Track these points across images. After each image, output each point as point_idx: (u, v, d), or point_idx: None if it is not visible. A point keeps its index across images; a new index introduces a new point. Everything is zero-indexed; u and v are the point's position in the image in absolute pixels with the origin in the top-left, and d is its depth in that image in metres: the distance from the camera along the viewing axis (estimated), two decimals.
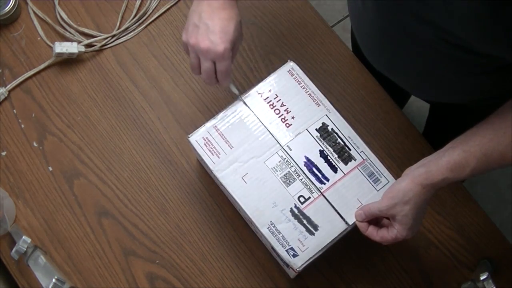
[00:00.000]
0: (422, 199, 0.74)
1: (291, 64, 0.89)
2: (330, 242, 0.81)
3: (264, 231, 0.81)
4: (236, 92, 0.86)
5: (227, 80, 0.81)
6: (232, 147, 0.84)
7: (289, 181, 0.82)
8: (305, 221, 0.81)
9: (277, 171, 0.83)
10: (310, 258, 0.80)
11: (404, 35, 0.78)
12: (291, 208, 0.81)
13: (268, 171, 0.83)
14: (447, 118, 1.12)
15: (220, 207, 0.96)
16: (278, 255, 0.81)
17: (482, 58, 0.74)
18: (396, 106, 1.00)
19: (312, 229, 0.81)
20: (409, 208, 0.74)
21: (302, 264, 0.80)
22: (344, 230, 0.81)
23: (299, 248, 0.80)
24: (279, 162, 0.83)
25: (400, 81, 0.94)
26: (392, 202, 0.75)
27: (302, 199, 0.82)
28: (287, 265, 0.81)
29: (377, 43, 0.88)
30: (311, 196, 0.82)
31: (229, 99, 1.00)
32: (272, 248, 0.82)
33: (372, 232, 0.79)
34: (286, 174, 0.82)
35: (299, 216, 0.81)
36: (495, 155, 0.70)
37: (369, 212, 0.79)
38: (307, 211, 0.81)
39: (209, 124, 0.85)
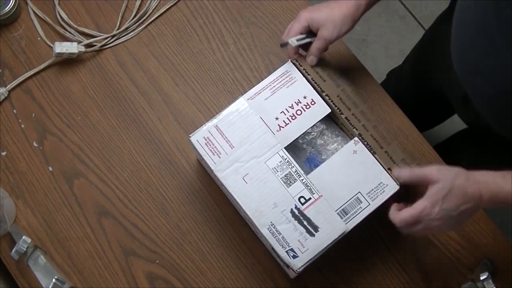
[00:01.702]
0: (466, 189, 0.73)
1: (291, 64, 0.89)
2: (330, 243, 0.81)
3: (264, 231, 0.81)
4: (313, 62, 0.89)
5: (288, 35, 0.89)
6: (233, 146, 0.84)
7: (290, 182, 0.82)
8: (305, 222, 0.81)
9: (277, 171, 0.83)
10: (310, 259, 0.80)
11: (500, 33, 0.73)
12: (291, 209, 0.81)
13: (268, 171, 0.83)
14: (481, 144, 1.10)
15: (220, 207, 0.96)
16: (278, 256, 0.81)
17: None
18: (396, 106, 1.00)
19: (312, 230, 0.80)
20: (458, 182, 0.74)
21: (302, 265, 0.80)
22: (344, 232, 0.81)
23: (299, 249, 0.80)
24: (279, 162, 0.83)
25: (475, 89, 0.87)
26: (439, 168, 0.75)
27: (302, 200, 0.82)
28: (287, 266, 0.81)
29: (467, 36, 0.82)
30: (311, 197, 0.82)
31: (229, 99, 1.00)
32: (272, 248, 0.82)
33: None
34: (287, 174, 0.82)
35: (299, 217, 0.81)
36: None
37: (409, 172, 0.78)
38: (307, 212, 0.81)
39: (210, 123, 0.85)
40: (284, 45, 0.90)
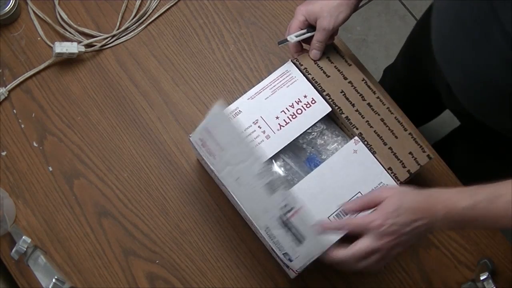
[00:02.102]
0: (414, 206, 0.70)
1: (291, 64, 0.89)
2: (318, 254, 0.78)
3: (263, 233, 0.81)
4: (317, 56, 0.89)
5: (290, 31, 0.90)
6: (223, 149, 0.81)
7: (273, 189, 0.77)
8: (293, 230, 0.78)
9: (262, 178, 0.78)
10: (304, 264, 0.79)
11: (475, 25, 0.74)
12: (279, 216, 0.78)
13: (255, 177, 0.78)
14: (474, 141, 1.08)
15: (220, 207, 0.96)
16: (278, 256, 0.81)
17: None
18: (397, 107, 1.00)
19: (300, 239, 0.77)
20: (402, 201, 0.70)
21: (301, 266, 0.80)
22: (331, 244, 0.78)
23: (293, 254, 0.79)
24: (263, 168, 0.78)
25: (453, 78, 0.88)
26: (387, 191, 0.72)
27: (288, 208, 0.77)
28: (287, 266, 0.81)
29: (448, 27, 0.83)
30: (294, 206, 0.77)
31: (229, 99, 1.00)
32: (272, 249, 0.82)
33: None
34: (270, 181, 0.77)
35: (287, 224, 0.78)
36: (504, 199, 0.66)
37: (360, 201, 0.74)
38: (293, 220, 0.77)
39: (201, 125, 0.85)
40: (282, 42, 0.90)
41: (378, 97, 0.88)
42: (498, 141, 0.95)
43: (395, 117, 0.87)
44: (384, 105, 0.88)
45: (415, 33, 1.14)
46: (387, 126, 0.86)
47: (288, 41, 0.89)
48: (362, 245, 0.71)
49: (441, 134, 1.40)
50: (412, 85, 1.19)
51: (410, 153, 0.85)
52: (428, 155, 0.86)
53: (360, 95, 0.88)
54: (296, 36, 0.88)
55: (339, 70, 0.89)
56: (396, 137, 0.86)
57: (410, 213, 0.70)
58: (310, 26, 0.89)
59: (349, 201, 0.77)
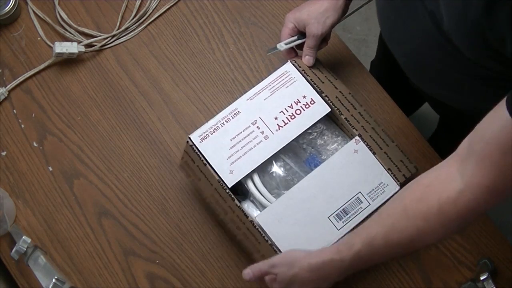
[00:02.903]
0: (305, 276, 0.73)
1: (290, 64, 0.89)
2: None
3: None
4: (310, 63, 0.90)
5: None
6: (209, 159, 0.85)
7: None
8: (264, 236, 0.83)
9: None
10: None
11: (403, 5, 0.77)
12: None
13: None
14: (454, 130, 1.09)
15: None
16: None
17: (462, 55, 0.71)
18: (396, 106, 1.00)
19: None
20: (291, 273, 0.74)
21: None
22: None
23: None
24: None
25: (397, 56, 0.91)
26: (279, 261, 0.76)
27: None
28: None
29: (382, 8, 0.87)
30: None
31: (229, 99, 1.00)
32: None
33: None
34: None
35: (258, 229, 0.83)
36: (379, 237, 0.69)
37: (257, 268, 0.78)
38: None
39: (195, 133, 0.86)
40: (272, 50, 0.91)
41: (365, 110, 0.90)
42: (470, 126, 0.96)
43: (382, 129, 0.89)
44: (371, 117, 0.90)
45: None
46: (378, 134, 0.88)
47: (277, 49, 0.90)
48: None
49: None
50: (387, 72, 1.20)
51: (401, 161, 0.87)
52: (415, 166, 0.87)
53: (351, 104, 0.90)
54: (286, 44, 0.89)
55: (329, 80, 0.91)
56: (387, 145, 0.88)
57: (303, 278, 0.74)
58: (301, 33, 0.90)
59: (255, 267, 0.80)
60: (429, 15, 0.71)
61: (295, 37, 0.90)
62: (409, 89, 1.01)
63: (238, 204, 0.83)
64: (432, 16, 0.70)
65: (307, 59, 0.90)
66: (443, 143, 1.09)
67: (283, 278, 0.75)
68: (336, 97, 0.88)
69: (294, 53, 0.93)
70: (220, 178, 0.83)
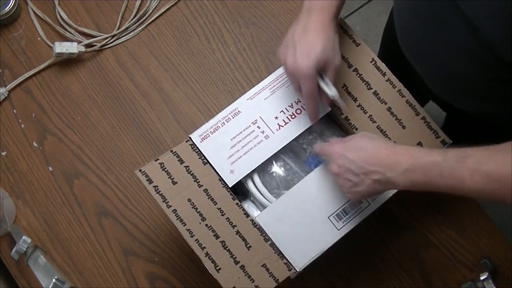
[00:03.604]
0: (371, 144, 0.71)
1: None
2: (319, 253, 0.81)
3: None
4: (344, 106, 0.82)
5: (314, 102, 0.80)
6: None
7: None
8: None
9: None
10: (305, 264, 0.80)
11: (433, 18, 0.74)
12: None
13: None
14: (461, 131, 1.08)
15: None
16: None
17: (504, 65, 0.69)
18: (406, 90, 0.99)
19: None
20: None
21: (301, 267, 0.80)
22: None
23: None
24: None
25: (420, 68, 0.89)
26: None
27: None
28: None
29: (407, 21, 0.83)
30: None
31: (229, 99, 1.00)
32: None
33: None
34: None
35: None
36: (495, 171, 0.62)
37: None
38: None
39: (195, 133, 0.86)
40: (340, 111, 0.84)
41: (388, 80, 0.85)
42: (482, 127, 0.96)
43: (407, 100, 0.85)
44: (395, 87, 0.85)
45: (387, 29, 1.14)
46: (394, 115, 0.84)
47: (336, 100, 0.80)
48: (328, 167, 0.78)
49: None
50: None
51: (419, 143, 0.84)
52: (443, 140, 0.83)
53: (366, 83, 0.86)
54: (331, 91, 0.79)
55: (344, 57, 0.87)
56: (403, 127, 0.84)
57: (367, 161, 0.71)
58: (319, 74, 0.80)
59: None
60: (464, 23, 0.68)
61: (321, 79, 0.79)
62: (412, 91, 1.01)
63: (239, 204, 0.83)
64: (469, 23, 0.67)
65: (313, 118, 0.84)
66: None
67: (350, 144, 0.73)
68: (343, 86, 0.86)
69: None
70: (221, 178, 0.83)
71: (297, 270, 0.80)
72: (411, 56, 0.88)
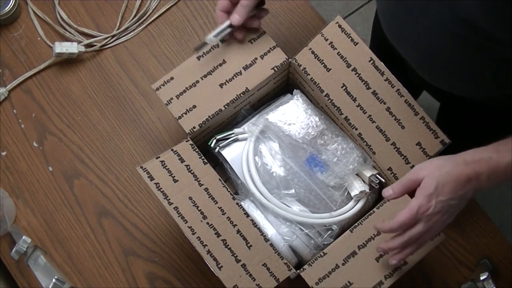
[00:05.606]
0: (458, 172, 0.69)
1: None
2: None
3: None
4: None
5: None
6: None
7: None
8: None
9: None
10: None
11: (414, 3, 0.76)
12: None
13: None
14: (456, 119, 1.09)
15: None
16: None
17: (489, 41, 0.70)
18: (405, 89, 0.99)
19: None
20: (444, 171, 0.70)
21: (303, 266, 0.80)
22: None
23: None
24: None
25: (407, 55, 0.89)
26: (426, 165, 0.72)
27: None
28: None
29: (390, 7, 0.84)
30: None
31: None
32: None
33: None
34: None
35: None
36: None
37: (399, 183, 0.73)
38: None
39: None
40: (200, 47, 0.85)
41: (386, 79, 0.85)
42: (476, 113, 0.97)
43: (405, 100, 0.84)
44: (394, 87, 0.85)
45: (375, 18, 1.14)
46: (393, 115, 0.84)
47: (207, 43, 0.84)
48: (415, 230, 0.72)
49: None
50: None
51: (418, 143, 0.83)
52: (442, 141, 0.83)
53: (364, 83, 0.85)
54: (216, 36, 0.83)
55: (342, 57, 0.86)
56: (403, 127, 0.84)
57: (452, 185, 0.70)
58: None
59: (394, 183, 0.75)
60: (446, 6, 0.70)
61: (224, 25, 0.83)
62: (405, 81, 1.01)
63: (239, 204, 0.83)
64: (451, 6, 0.69)
65: (235, 18, 0.82)
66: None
67: (429, 182, 0.70)
68: (343, 86, 0.85)
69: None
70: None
71: (297, 271, 0.80)
72: (395, 40, 0.88)
